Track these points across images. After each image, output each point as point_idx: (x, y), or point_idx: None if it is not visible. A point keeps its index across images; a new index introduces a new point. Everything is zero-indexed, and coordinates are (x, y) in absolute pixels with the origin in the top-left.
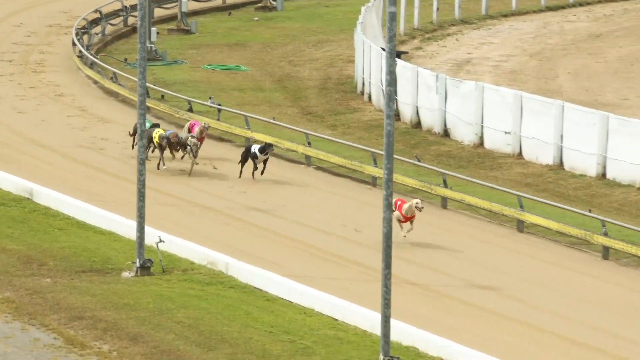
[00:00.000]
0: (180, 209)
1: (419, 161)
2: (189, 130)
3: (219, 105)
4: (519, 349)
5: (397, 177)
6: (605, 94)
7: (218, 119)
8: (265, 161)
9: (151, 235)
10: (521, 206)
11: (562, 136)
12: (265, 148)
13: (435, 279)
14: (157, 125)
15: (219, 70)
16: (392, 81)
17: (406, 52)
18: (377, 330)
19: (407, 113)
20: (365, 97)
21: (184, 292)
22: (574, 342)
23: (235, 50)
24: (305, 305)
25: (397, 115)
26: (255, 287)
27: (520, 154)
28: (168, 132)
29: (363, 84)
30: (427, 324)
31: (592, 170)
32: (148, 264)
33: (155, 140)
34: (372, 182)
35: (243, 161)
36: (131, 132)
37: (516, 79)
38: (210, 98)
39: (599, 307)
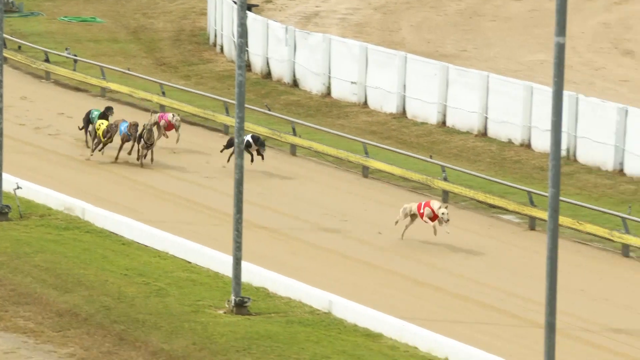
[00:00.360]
0: (39, 157)
1: (269, 110)
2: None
3: (75, 56)
4: (362, 287)
5: (248, 126)
6: (445, 46)
7: (74, 70)
8: (257, 152)
9: (8, 182)
10: (366, 153)
11: (405, 86)
12: (258, 141)
13: (284, 223)
14: (109, 109)
15: (75, 22)
16: (243, 33)
17: (257, 5)
18: (228, 272)
19: (257, 64)
20: (218, 48)
21: (41, 237)
22: (414, 280)
23: (90, 3)
24: (159, 249)
25: (248, 66)
26: (111, 232)
27: (365, 103)
28: (124, 124)
29: (215, 36)
30: (276, 266)
31: (433, 119)
32: (5, 210)
33: (99, 133)
34: (224, 130)
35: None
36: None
37: (362, 32)
38: (66, 49)
39: (436, 245)
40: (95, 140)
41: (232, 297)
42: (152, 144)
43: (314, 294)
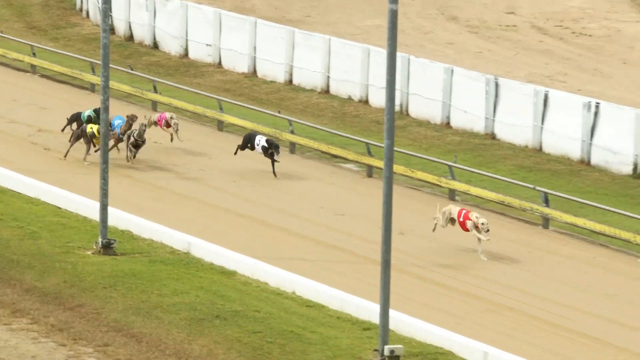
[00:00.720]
0: None
1: (132, 70)
2: (156, 123)
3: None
4: (217, 230)
5: (113, 84)
6: (291, 12)
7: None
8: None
9: None
10: (221, 108)
11: (255, 48)
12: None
13: (148, 173)
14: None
15: None
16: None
17: None
18: (95, 216)
19: (120, 28)
20: (84, 13)
21: None
22: (265, 223)
23: None
24: (31, 196)
25: (112, 30)
26: None
27: (220, 63)
28: (117, 123)
29: (82, 2)
30: (140, 211)
31: (281, 78)
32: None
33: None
34: (91, 88)
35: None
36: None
37: None
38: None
39: (285, 193)
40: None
41: (100, 239)
42: (143, 143)
43: (175, 235)
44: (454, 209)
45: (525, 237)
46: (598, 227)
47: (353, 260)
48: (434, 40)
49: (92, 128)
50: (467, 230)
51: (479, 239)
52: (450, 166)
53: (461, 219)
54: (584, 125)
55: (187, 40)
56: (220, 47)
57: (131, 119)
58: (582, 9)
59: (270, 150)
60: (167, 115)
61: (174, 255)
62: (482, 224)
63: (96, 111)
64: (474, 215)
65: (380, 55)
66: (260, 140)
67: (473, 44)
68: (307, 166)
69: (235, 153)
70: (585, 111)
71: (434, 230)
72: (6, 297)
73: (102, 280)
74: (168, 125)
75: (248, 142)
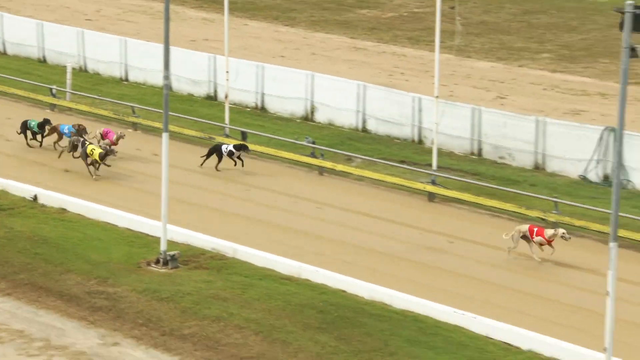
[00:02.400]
0: None
1: None
2: (103, 137)
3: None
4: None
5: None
6: None
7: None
8: (239, 157)
9: None
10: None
11: None
12: (240, 148)
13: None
14: (48, 122)
15: None
16: None
17: None
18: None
19: None
20: None
21: None
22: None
23: None
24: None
25: None
26: None
27: None
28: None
29: None
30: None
31: None
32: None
33: (95, 156)
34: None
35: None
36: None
37: None
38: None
39: None
40: (90, 162)
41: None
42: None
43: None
44: (522, 227)
45: None
46: None
47: None
48: None
49: (94, 149)
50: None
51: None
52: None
53: (534, 237)
54: None
55: None
56: None
57: (80, 130)
58: None
59: (239, 152)
60: (118, 133)
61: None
62: (563, 233)
63: (42, 122)
64: (549, 232)
65: None
66: (228, 147)
67: None
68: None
69: (201, 165)
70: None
71: (508, 252)
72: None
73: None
74: (113, 144)
75: (214, 152)
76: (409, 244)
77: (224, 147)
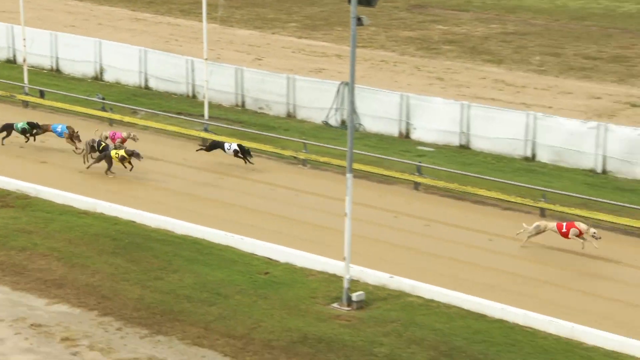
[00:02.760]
0: None
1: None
2: (111, 139)
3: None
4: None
5: None
6: None
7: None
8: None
9: None
10: None
11: None
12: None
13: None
14: (36, 126)
15: None
16: None
17: None
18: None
19: None
20: None
21: None
22: None
23: None
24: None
25: None
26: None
27: None
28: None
29: None
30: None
31: None
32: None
33: (116, 159)
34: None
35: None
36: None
37: None
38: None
39: None
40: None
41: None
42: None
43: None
44: (549, 224)
45: None
46: None
47: None
48: None
49: (117, 154)
50: (568, 237)
51: (583, 245)
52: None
53: (564, 230)
54: None
55: None
56: None
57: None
58: None
59: (243, 153)
60: (124, 133)
61: None
62: (594, 233)
63: (30, 124)
64: (583, 226)
65: None
66: (231, 146)
67: None
68: None
69: (198, 150)
70: None
71: (517, 234)
72: None
73: None
74: (124, 140)
75: (216, 147)
76: (186, 180)
77: (226, 145)
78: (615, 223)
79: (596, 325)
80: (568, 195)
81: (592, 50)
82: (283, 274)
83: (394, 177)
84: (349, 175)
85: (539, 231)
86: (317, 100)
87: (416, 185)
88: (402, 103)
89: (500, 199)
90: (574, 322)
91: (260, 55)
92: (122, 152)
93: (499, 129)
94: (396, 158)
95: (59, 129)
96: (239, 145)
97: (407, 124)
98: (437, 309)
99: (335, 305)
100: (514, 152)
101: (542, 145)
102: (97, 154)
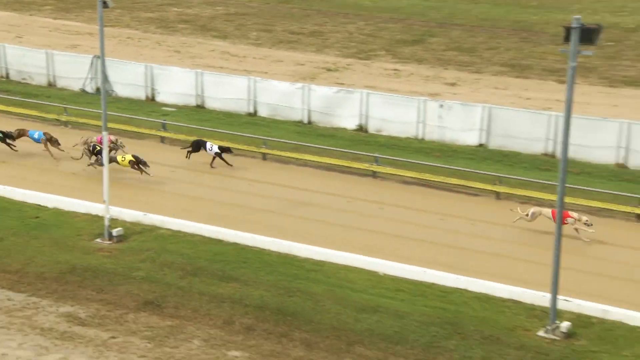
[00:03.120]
0: None
1: None
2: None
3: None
4: None
5: None
6: None
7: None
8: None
9: None
10: None
11: None
12: (225, 150)
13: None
14: (9, 136)
15: None
16: None
17: None
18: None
19: None
20: None
21: None
22: None
23: None
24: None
25: None
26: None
27: None
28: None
29: None
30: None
31: None
32: None
33: (125, 163)
34: None
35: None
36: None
37: None
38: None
39: None
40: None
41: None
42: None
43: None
44: (544, 210)
45: None
46: None
47: None
48: None
49: (124, 158)
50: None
51: (578, 231)
52: None
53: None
54: None
55: None
56: None
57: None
58: None
59: (223, 153)
60: (112, 137)
61: None
62: (586, 221)
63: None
64: (575, 214)
65: None
66: (213, 147)
67: None
68: None
69: (188, 157)
70: None
71: (514, 222)
72: None
73: None
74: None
75: (199, 147)
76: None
77: (208, 144)
78: (320, 162)
79: (310, 243)
80: (284, 142)
81: (295, 27)
82: (52, 217)
83: (144, 133)
84: (104, 133)
85: (535, 217)
86: (74, 71)
87: (162, 139)
88: (147, 72)
89: (234, 147)
90: (291, 241)
91: (20, 34)
92: (129, 157)
93: (227, 91)
94: (144, 117)
95: (36, 135)
96: (219, 147)
97: (152, 89)
98: (184, 238)
99: (98, 240)
100: (240, 110)
101: (262, 103)
102: (94, 157)
